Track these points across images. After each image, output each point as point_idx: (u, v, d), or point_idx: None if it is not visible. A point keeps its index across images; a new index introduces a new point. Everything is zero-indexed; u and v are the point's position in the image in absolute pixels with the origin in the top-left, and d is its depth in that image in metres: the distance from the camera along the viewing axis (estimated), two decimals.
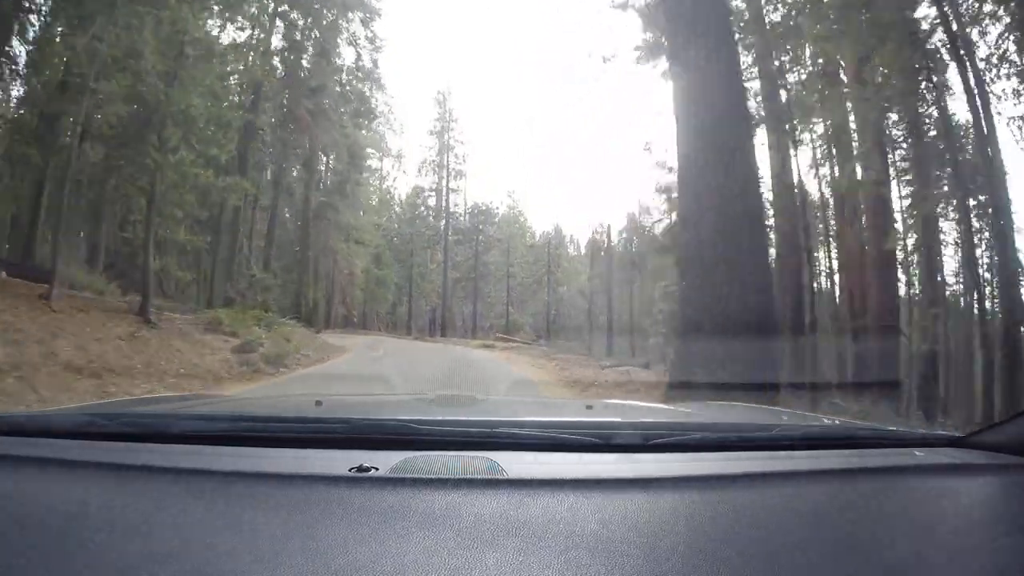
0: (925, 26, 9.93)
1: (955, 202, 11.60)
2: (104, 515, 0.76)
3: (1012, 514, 0.89)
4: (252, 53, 19.36)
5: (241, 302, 15.85)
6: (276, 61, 20.99)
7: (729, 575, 0.65)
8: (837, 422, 1.53)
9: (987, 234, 11.33)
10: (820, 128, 13.62)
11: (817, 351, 12.65)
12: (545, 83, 74.37)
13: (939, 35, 9.80)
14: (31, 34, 11.77)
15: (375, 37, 24.97)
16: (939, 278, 13.27)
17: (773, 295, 7.89)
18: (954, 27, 9.47)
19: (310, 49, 22.08)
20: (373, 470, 0.85)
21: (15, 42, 11.34)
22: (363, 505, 0.77)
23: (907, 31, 9.63)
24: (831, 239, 14.59)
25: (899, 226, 12.53)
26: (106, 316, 9.39)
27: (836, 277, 14.32)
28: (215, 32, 15.07)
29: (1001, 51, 9.31)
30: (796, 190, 13.62)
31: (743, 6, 12.96)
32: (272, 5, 20.11)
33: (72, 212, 12.62)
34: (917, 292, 13.64)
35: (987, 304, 11.82)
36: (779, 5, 12.89)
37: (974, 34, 9.53)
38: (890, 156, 12.63)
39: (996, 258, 10.56)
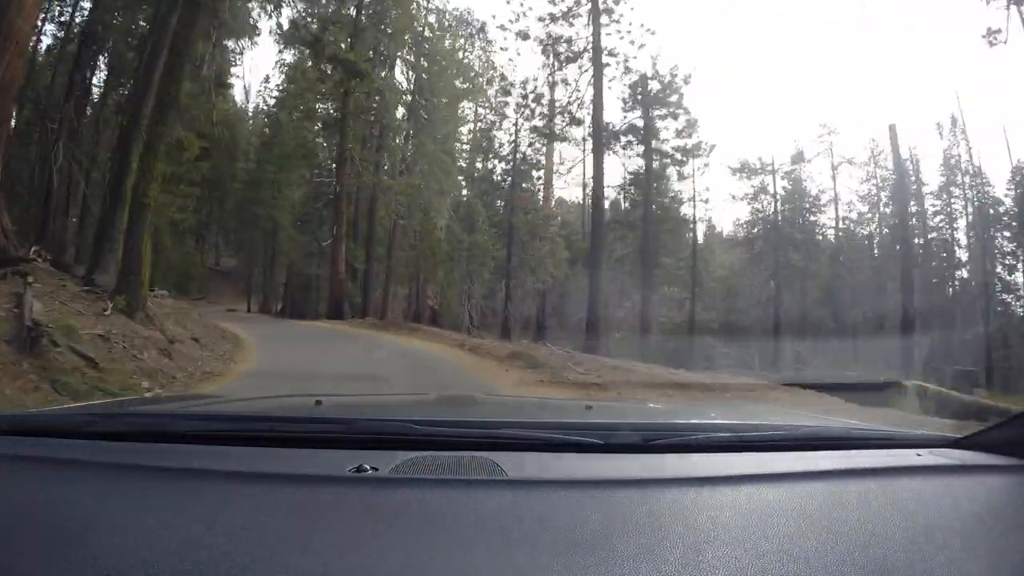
0: None
1: None
2: (104, 515, 0.76)
3: (1012, 514, 0.89)
4: None
5: None
6: None
7: (728, 575, 0.65)
8: (837, 422, 1.53)
9: None
10: None
11: None
12: None
13: None
14: None
15: None
16: None
17: None
18: None
19: None
20: (373, 470, 0.85)
21: None
22: (363, 505, 0.77)
23: None
24: None
25: None
26: None
27: None
28: None
29: None
30: None
31: None
32: None
33: None
34: None
35: None
36: None
37: None
38: None
39: None
